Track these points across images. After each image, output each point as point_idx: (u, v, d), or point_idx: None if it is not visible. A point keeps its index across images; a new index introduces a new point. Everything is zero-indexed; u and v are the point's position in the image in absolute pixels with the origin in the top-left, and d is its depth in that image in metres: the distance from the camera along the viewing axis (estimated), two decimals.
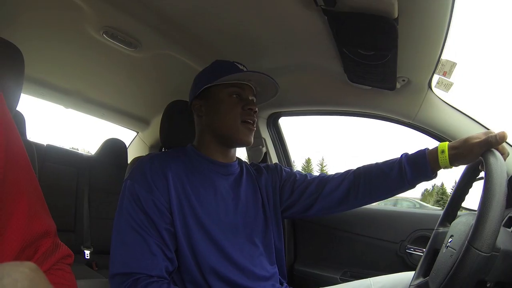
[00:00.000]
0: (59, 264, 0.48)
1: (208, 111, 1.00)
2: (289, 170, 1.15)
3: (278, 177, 1.11)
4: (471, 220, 0.73)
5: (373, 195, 1.00)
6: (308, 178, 1.09)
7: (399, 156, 0.98)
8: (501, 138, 0.77)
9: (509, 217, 0.85)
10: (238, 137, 0.97)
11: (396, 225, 1.46)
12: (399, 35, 0.92)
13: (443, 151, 0.87)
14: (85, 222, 1.98)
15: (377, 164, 1.01)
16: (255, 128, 1.01)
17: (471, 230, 0.62)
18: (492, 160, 0.72)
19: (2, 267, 0.28)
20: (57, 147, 2.07)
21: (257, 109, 1.00)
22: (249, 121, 0.98)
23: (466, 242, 0.61)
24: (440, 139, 1.31)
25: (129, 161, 2.21)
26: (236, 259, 0.91)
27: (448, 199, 0.93)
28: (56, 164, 1.97)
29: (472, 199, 0.91)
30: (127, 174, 1.01)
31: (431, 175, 0.90)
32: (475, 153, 0.80)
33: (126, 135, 2.55)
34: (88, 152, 2.24)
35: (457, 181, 0.91)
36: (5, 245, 0.41)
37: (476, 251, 0.59)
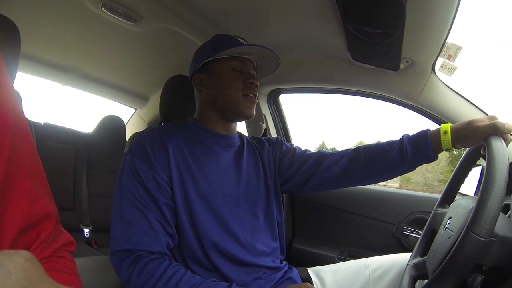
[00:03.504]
0: (61, 251, 0.47)
1: (209, 85, 0.99)
2: (289, 145, 1.15)
3: (278, 150, 1.11)
4: (470, 203, 0.73)
5: (372, 174, 0.99)
6: (307, 152, 1.09)
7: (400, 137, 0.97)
8: (509, 127, 0.76)
9: (506, 204, 0.85)
10: (240, 110, 0.96)
11: (394, 206, 1.47)
12: (406, 15, 0.90)
13: (445, 132, 0.85)
14: (84, 200, 1.98)
15: (377, 143, 1.00)
16: (256, 101, 1.00)
17: (470, 215, 0.62)
18: (496, 144, 0.71)
19: None
20: (54, 125, 2.05)
21: (258, 83, 0.99)
22: (250, 94, 0.97)
23: (465, 226, 0.62)
24: (440, 122, 1.30)
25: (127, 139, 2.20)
26: (237, 233, 0.91)
27: (448, 181, 0.94)
28: (53, 142, 1.96)
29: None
30: (126, 149, 1.01)
31: (433, 156, 0.89)
32: (479, 136, 0.79)
33: (124, 113, 2.54)
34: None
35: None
36: (4, 226, 0.40)
37: (475, 235, 0.59)
